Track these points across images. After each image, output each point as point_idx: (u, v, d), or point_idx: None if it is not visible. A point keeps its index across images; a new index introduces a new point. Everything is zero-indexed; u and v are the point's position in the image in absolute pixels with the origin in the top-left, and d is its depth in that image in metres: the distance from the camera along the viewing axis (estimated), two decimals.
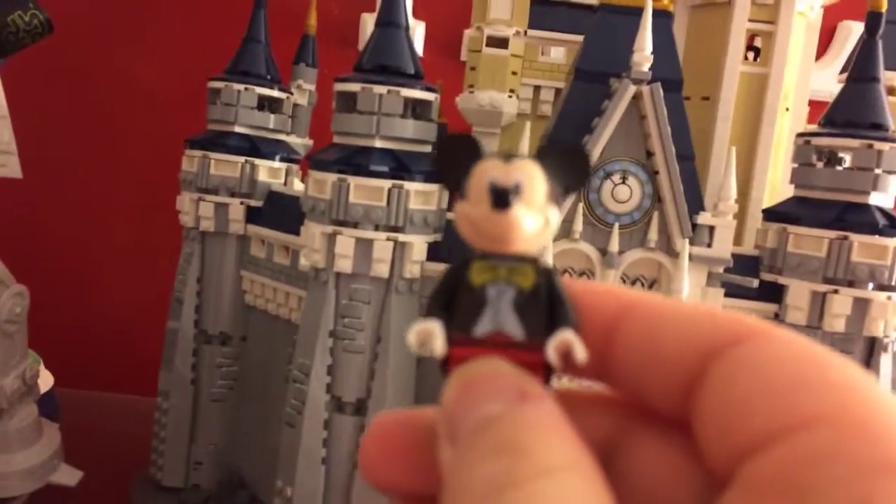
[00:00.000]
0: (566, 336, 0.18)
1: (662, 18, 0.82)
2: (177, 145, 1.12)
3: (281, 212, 1.03)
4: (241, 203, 1.06)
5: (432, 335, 0.18)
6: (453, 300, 0.19)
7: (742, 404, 0.16)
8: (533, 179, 0.19)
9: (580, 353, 0.18)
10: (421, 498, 0.19)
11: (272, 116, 1.09)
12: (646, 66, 0.78)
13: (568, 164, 0.19)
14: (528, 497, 0.15)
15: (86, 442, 1.19)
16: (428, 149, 0.89)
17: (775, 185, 1.04)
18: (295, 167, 1.13)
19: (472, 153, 0.19)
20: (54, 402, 1.27)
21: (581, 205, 0.81)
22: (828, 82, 1.32)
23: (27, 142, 0.97)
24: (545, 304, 0.19)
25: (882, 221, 0.81)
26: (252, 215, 1.06)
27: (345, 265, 0.84)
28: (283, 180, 1.10)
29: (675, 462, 0.18)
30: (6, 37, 0.88)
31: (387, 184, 0.83)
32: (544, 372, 0.19)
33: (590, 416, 0.18)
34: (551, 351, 0.18)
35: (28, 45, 0.91)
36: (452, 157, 0.20)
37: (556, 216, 0.19)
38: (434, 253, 0.87)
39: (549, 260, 0.78)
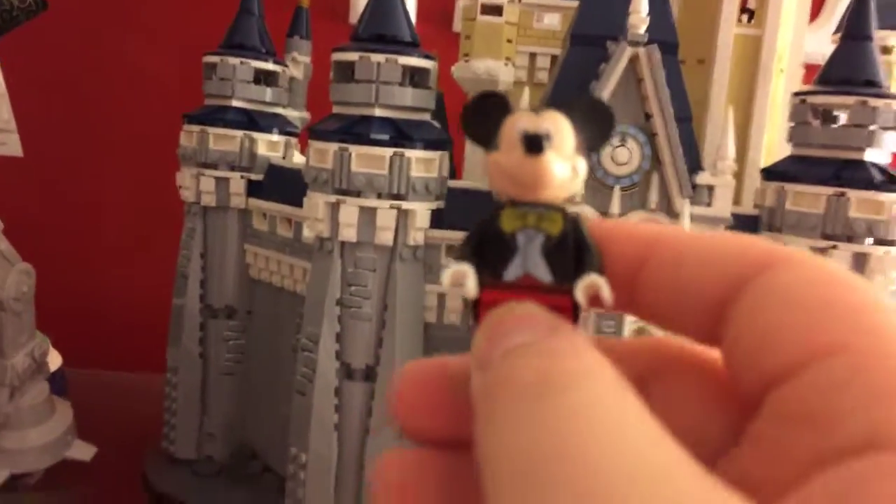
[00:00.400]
0: (593, 279, 0.19)
1: None
2: (173, 121, 1.13)
3: (282, 184, 1.04)
4: (242, 177, 1.06)
5: (465, 276, 0.19)
6: (483, 247, 0.20)
7: (770, 331, 0.16)
8: (562, 129, 0.19)
9: (607, 294, 0.19)
10: (453, 444, 0.20)
11: (269, 90, 1.09)
12: (642, 29, 0.78)
13: (592, 119, 0.20)
14: (578, 390, 0.15)
15: (97, 419, 1.21)
16: (427, 116, 0.90)
17: (772, 145, 1.05)
18: (293, 140, 1.14)
19: (500, 110, 0.20)
20: (64, 382, 1.28)
21: None
22: (821, 45, 1.33)
23: (27, 120, 0.97)
24: (572, 249, 0.19)
25: (878, 177, 0.82)
26: (253, 189, 1.07)
27: (349, 234, 0.85)
28: (282, 153, 1.10)
29: (706, 397, 0.18)
30: (1, 14, 0.88)
31: (388, 152, 0.83)
32: (572, 314, 0.19)
33: (618, 360, 0.19)
34: (580, 293, 0.19)
35: (23, 22, 0.91)
36: (481, 115, 0.20)
37: (583, 166, 0.20)
38: (437, 220, 0.88)
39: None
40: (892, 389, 0.14)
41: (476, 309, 0.20)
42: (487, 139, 0.20)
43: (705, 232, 0.20)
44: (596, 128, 0.20)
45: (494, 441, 0.16)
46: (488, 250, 0.20)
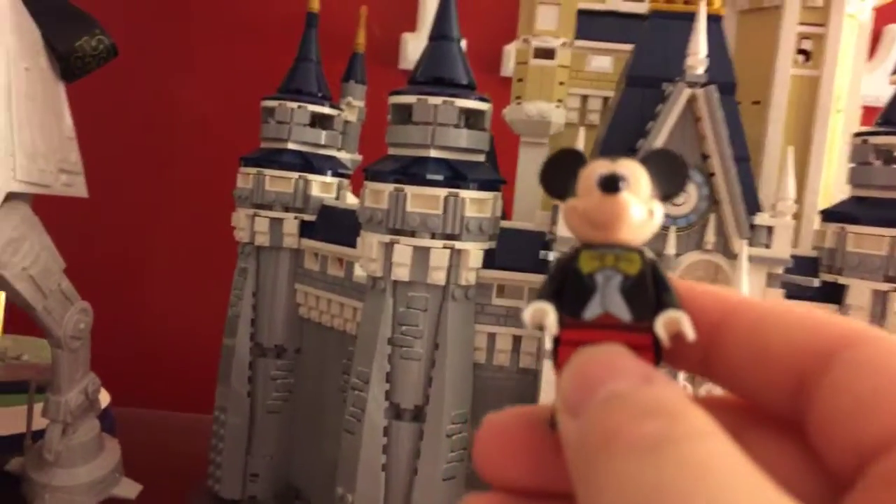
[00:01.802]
0: (675, 314, 0.19)
1: (714, 22, 0.82)
2: (226, 164, 1.15)
3: (334, 225, 1.05)
4: (295, 218, 1.08)
5: (546, 314, 0.20)
6: (562, 288, 0.20)
7: (866, 405, 0.17)
8: (637, 174, 0.20)
9: (689, 330, 0.19)
10: (532, 492, 0.20)
11: (324, 133, 1.12)
12: (701, 69, 0.78)
13: (666, 170, 0.21)
14: (695, 450, 0.15)
15: (142, 458, 1.21)
16: (482, 158, 0.90)
17: (829, 187, 1.03)
18: (346, 182, 1.16)
19: (575, 163, 0.21)
20: (111, 419, 1.29)
21: None
22: (877, 86, 1.31)
23: (90, 163, 1.00)
24: (651, 289, 0.20)
25: None
26: (305, 229, 1.08)
27: (402, 273, 0.85)
28: (335, 195, 1.12)
29: (789, 462, 0.18)
30: (74, 61, 0.91)
31: (443, 192, 0.84)
32: (653, 354, 0.20)
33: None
34: (660, 328, 0.19)
35: (94, 69, 0.95)
36: (558, 169, 0.21)
37: (660, 210, 0.20)
38: (489, 260, 0.88)
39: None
40: None
41: (556, 348, 0.20)
42: (564, 190, 0.21)
43: (782, 302, 0.20)
44: (670, 178, 0.21)
45: (609, 496, 0.16)
46: (567, 291, 0.20)
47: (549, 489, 0.20)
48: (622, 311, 0.20)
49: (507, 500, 0.20)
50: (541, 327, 0.20)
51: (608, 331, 0.20)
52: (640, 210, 0.20)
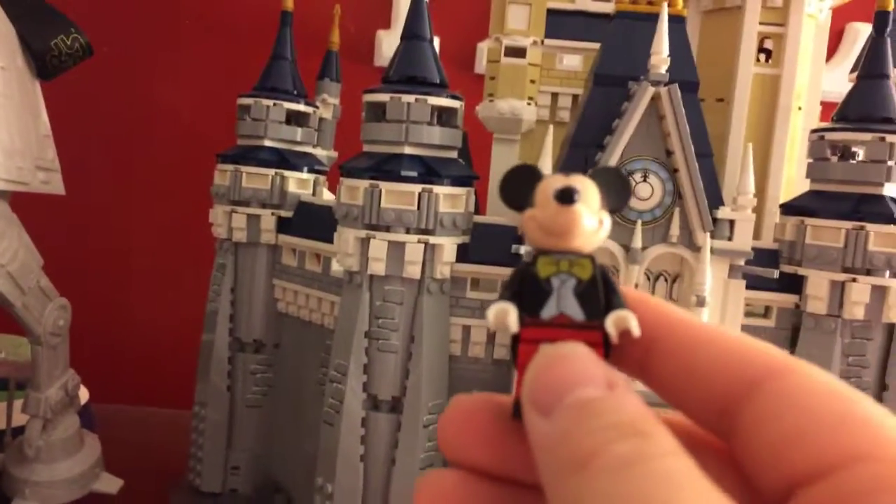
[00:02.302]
0: (623, 313, 0.22)
1: (677, 23, 0.85)
2: (203, 161, 1.16)
3: (311, 221, 1.07)
4: (273, 214, 1.09)
5: (507, 312, 0.22)
6: (522, 291, 0.23)
7: (792, 437, 0.19)
8: (588, 188, 0.23)
9: (635, 328, 0.22)
10: (492, 475, 0.22)
11: (300, 130, 1.13)
12: (663, 69, 0.81)
13: (614, 185, 0.24)
14: (666, 468, 0.17)
15: (122, 453, 1.22)
16: (454, 154, 0.92)
17: (790, 181, 1.06)
18: (322, 178, 1.17)
19: (532, 177, 0.23)
20: (91, 416, 1.30)
21: None
22: (838, 83, 1.35)
23: (66, 161, 1.01)
24: (602, 292, 0.22)
25: None
26: (282, 225, 1.10)
27: (378, 268, 0.87)
28: (311, 191, 1.14)
29: (726, 481, 0.20)
30: (50, 60, 0.92)
31: (417, 188, 0.86)
32: (602, 350, 0.22)
33: None
34: (611, 326, 0.22)
35: (70, 67, 0.95)
36: (516, 182, 0.24)
37: (608, 221, 0.23)
38: (463, 254, 0.90)
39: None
40: None
41: (516, 346, 0.22)
42: (522, 202, 0.23)
43: (717, 327, 0.23)
44: (617, 193, 0.24)
45: None
46: (526, 293, 0.23)
47: (507, 473, 0.22)
48: (576, 312, 0.22)
49: (466, 477, 0.22)
50: (502, 326, 0.22)
51: (564, 329, 0.22)
52: (591, 220, 0.22)
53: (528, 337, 0.22)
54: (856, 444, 0.18)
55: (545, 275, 0.22)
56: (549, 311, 0.22)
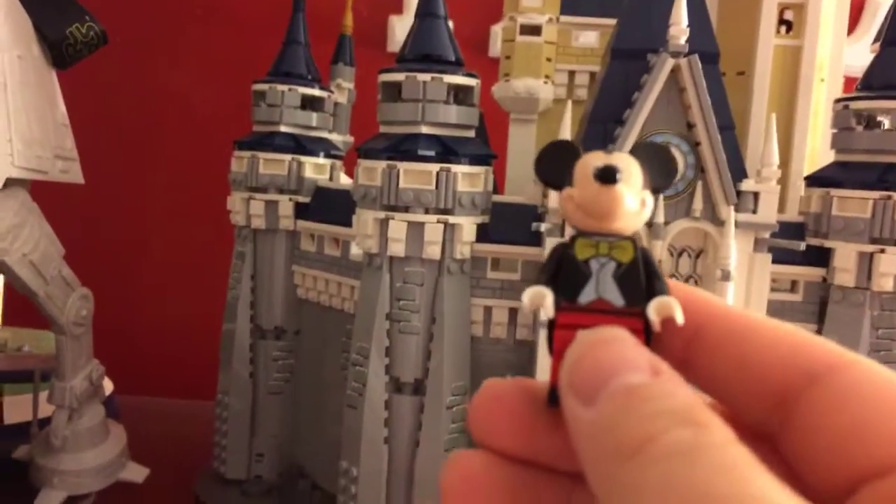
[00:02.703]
0: (666, 300, 0.21)
1: None
2: (220, 148, 1.16)
3: (329, 206, 1.07)
4: (290, 199, 1.09)
5: (544, 296, 0.21)
6: (558, 274, 0.22)
7: (856, 431, 0.18)
8: (630, 167, 0.21)
9: (679, 315, 0.20)
10: (520, 460, 0.22)
11: (315, 115, 1.13)
12: (683, 40, 0.80)
13: (657, 163, 0.22)
14: (725, 456, 0.17)
15: (148, 444, 1.23)
16: (472, 133, 0.92)
17: (814, 153, 1.04)
18: (338, 163, 1.17)
19: (571, 154, 0.22)
20: (115, 407, 1.31)
21: None
22: (860, 57, 1.33)
23: (85, 149, 1.01)
24: (643, 276, 0.21)
25: None
26: (300, 211, 1.10)
27: (398, 249, 0.87)
28: (328, 176, 1.13)
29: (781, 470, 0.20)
30: (66, 49, 0.92)
31: (435, 167, 0.85)
32: (644, 337, 0.21)
33: None
34: (652, 313, 0.21)
35: (85, 56, 0.95)
36: (553, 160, 0.22)
37: (651, 200, 0.22)
38: (483, 234, 0.89)
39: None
40: None
41: (552, 331, 0.21)
42: (559, 180, 0.22)
43: (767, 318, 0.21)
44: (660, 171, 0.22)
45: (647, 498, 0.17)
46: (563, 276, 0.21)
47: (536, 458, 0.22)
48: (615, 297, 0.21)
49: (493, 459, 0.22)
50: (538, 310, 0.21)
51: (602, 315, 0.21)
52: (633, 201, 0.21)
53: (564, 322, 0.21)
54: None
55: (583, 257, 0.21)
56: (587, 296, 0.21)
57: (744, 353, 0.20)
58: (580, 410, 0.19)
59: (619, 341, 0.20)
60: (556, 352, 0.21)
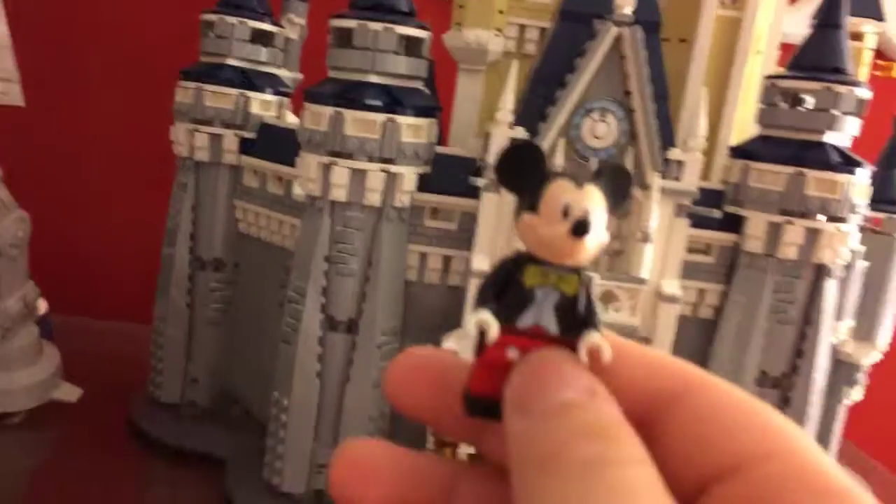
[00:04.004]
0: (597, 338, 0.22)
1: None
2: (166, 77, 1.15)
3: (273, 143, 1.07)
4: (235, 134, 1.09)
5: (489, 325, 0.22)
6: (504, 293, 0.23)
7: (708, 440, 0.20)
8: (599, 207, 0.22)
9: (607, 353, 0.22)
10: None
11: (264, 50, 1.12)
12: (628, 9, 0.82)
13: (616, 184, 0.23)
14: (625, 476, 0.18)
15: (82, 364, 1.24)
16: (420, 84, 0.93)
17: (745, 124, 1.10)
18: (286, 100, 1.17)
19: (534, 161, 0.22)
20: (49, 327, 1.31)
21: (562, 140, 0.87)
22: (801, 25, 1.37)
23: (26, 71, 0.99)
24: (582, 309, 0.23)
25: (836, 159, 0.88)
26: (245, 146, 1.10)
27: (339, 194, 0.89)
28: (275, 113, 1.13)
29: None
30: None
31: (381, 117, 0.87)
32: None
33: None
34: (583, 349, 0.22)
35: None
36: (515, 165, 0.22)
37: (607, 236, 0.23)
38: (423, 184, 0.92)
39: None
40: (826, 489, 0.18)
41: (482, 340, 0.23)
42: (519, 186, 0.22)
43: (638, 347, 0.24)
44: (617, 192, 0.23)
45: None
46: (507, 300, 0.23)
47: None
48: (551, 325, 0.22)
49: (386, 448, 0.24)
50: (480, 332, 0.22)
51: (536, 340, 0.22)
52: (597, 245, 0.22)
53: (499, 341, 0.22)
54: (760, 445, 0.20)
55: (531, 284, 0.22)
56: (525, 321, 0.22)
57: (622, 376, 0.22)
58: (516, 420, 0.21)
59: (562, 361, 0.21)
60: (482, 362, 0.22)
